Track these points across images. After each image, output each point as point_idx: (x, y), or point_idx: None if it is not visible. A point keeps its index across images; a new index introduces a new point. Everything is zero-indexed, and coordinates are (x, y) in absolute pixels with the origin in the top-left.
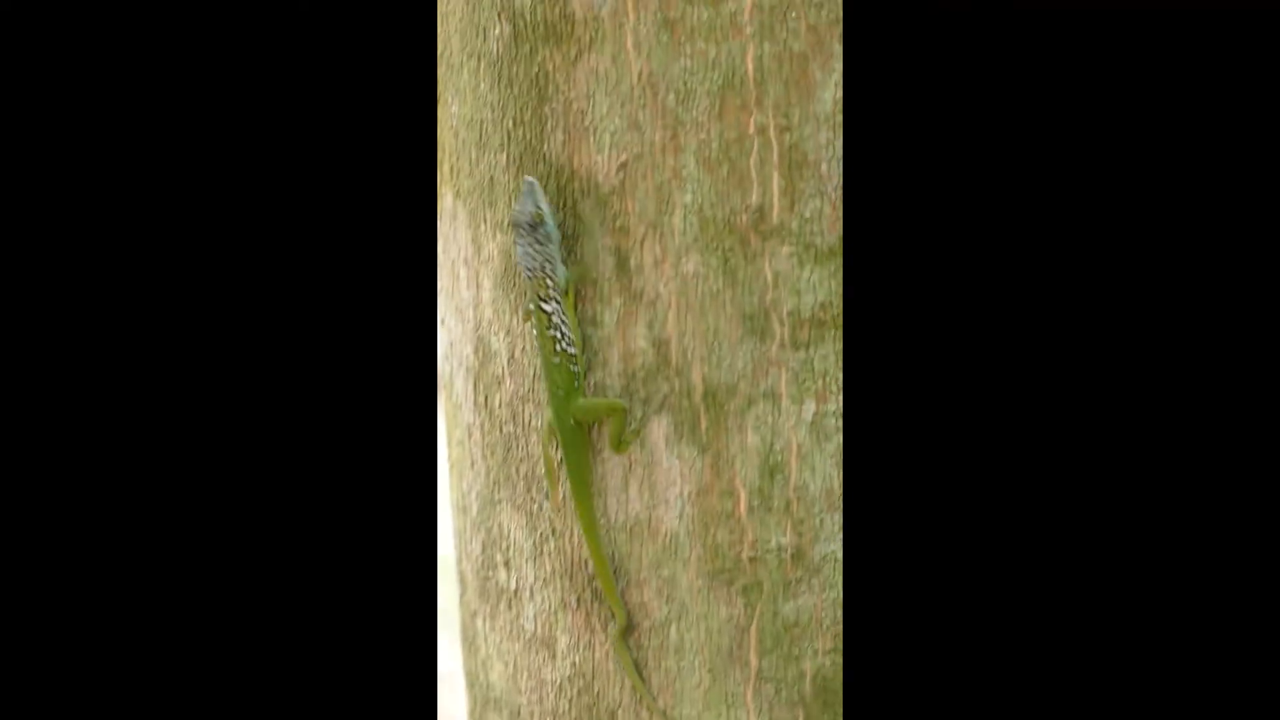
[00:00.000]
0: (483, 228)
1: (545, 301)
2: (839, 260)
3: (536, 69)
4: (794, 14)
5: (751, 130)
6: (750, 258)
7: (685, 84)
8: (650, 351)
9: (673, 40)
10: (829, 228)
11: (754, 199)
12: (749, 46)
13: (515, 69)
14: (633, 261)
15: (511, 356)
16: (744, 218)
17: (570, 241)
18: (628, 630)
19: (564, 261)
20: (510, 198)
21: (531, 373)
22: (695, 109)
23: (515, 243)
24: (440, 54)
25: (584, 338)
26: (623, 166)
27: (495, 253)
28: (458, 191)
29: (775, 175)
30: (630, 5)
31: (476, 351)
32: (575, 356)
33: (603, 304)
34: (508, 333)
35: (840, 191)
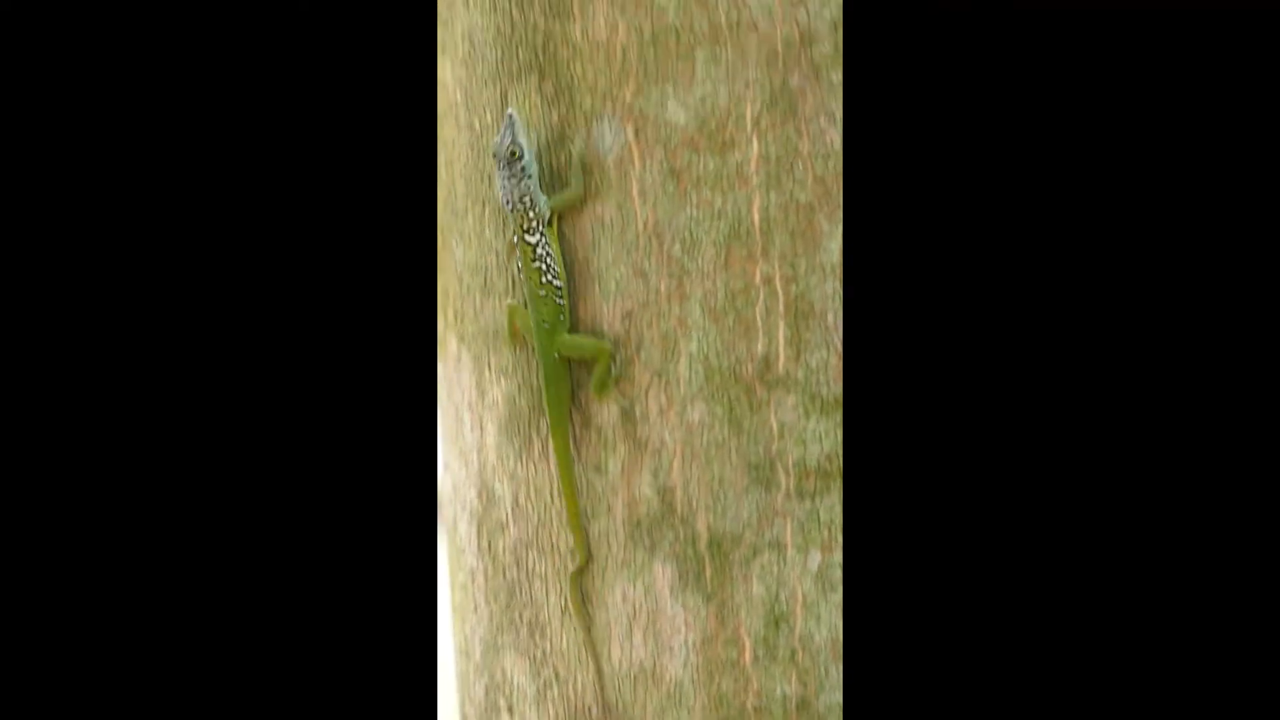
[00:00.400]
0: (487, 373)
1: (529, 234)
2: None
3: None
4: (800, 165)
5: (757, 280)
6: (756, 407)
7: (691, 233)
8: (655, 499)
9: (678, 189)
10: (835, 378)
11: (760, 348)
12: (755, 196)
13: None
14: (638, 410)
15: (516, 502)
16: (750, 367)
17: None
18: (584, 569)
19: (544, 193)
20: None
21: (535, 518)
22: (701, 258)
23: (496, 174)
24: (445, 199)
25: (569, 280)
26: (628, 315)
27: (499, 398)
28: (461, 336)
29: (781, 325)
30: (636, 153)
31: (480, 496)
32: (561, 289)
33: (608, 451)
34: (512, 478)
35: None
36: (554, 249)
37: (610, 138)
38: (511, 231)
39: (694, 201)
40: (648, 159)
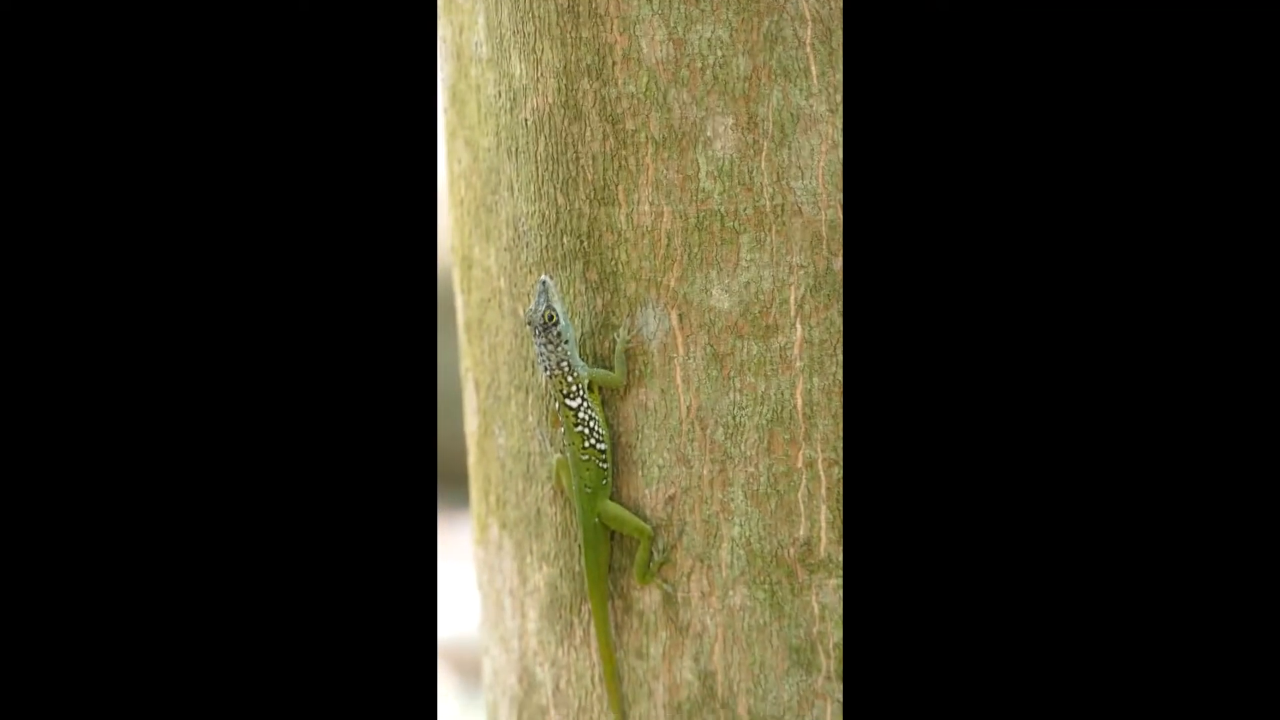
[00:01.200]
0: (529, 559)
1: (570, 398)
2: None
3: None
4: (844, 348)
5: (800, 464)
6: (797, 590)
7: (734, 418)
8: (696, 684)
9: (722, 374)
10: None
11: (801, 532)
12: (798, 381)
13: None
14: (680, 594)
15: (556, 687)
16: (791, 551)
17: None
18: None
19: (582, 358)
20: (557, 531)
21: (576, 704)
22: (744, 443)
23: (533, 342)
24: (488, 386)
25: (612, 446)
26: (670, 500)
27: (541, 584)
28: (503, 522)
29: (823, 509)
30: (680, 339)
31: (521, 681)
32: (605, 454)
33: (649, 636)
34: (553, 664)
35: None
36: (597, 414)
37: (655, 323)
38: (552, 398)
39: (737, 386)
40: (691, 345)
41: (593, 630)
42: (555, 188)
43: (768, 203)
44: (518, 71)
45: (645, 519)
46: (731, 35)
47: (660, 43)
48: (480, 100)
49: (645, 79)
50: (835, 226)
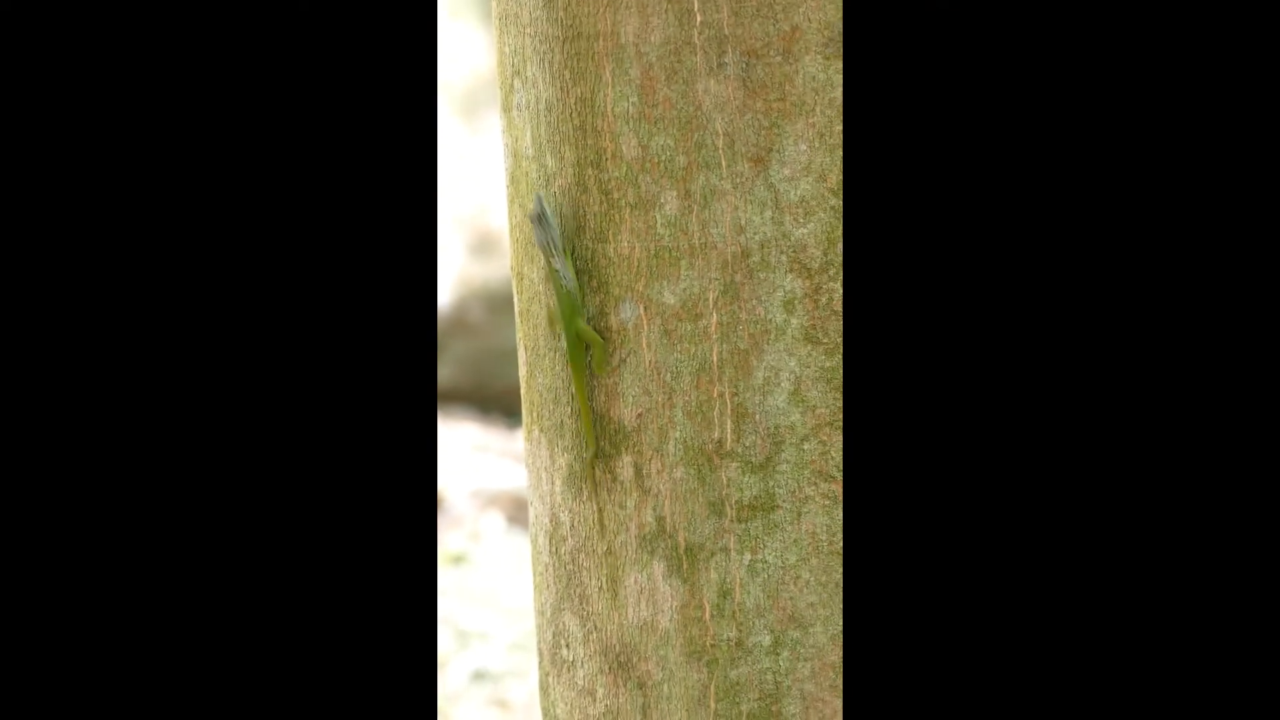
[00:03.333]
0: (556, 449)
1: (554, 260)
2: None
3: None
4: (740, 328)
5: (714, 395)
6: (713, 470)
7: (676, 368)
8: (654, 524)
9: (669, 342)
10: (761, 450)
11: (715, 434)
12: (714, 346)
13: None
14: (644, 469)
15: (572, 526)
16: (710, 446)
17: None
18: (595, 454)
19: (560, 239)
20: (572, 434)
21: (583, 534)
22: (682, 382)
23: (533, 230)
24: (532, 348)
25: (581, 289)
26: (638, 416)
27: (563, 464)
28: (542, 428)
29: (729, 421)
30: (644, 321)
31: (551, 521)
32: (575, 294)
33: (625, 495)
34: (569, 511)
35: None
36: (570, 271)
37: (629, 312)
38: (544, 263)
39: (678, 349)
40: (651, 325)
41: (574, 384)
42: (573, 232)
43: (696, 242)
44: (550, 164)
45: (624, 428)
46: (675, 143)
47: (634, 147)
48: (527, 181)
49: (625, 168)
50: (736, 255)
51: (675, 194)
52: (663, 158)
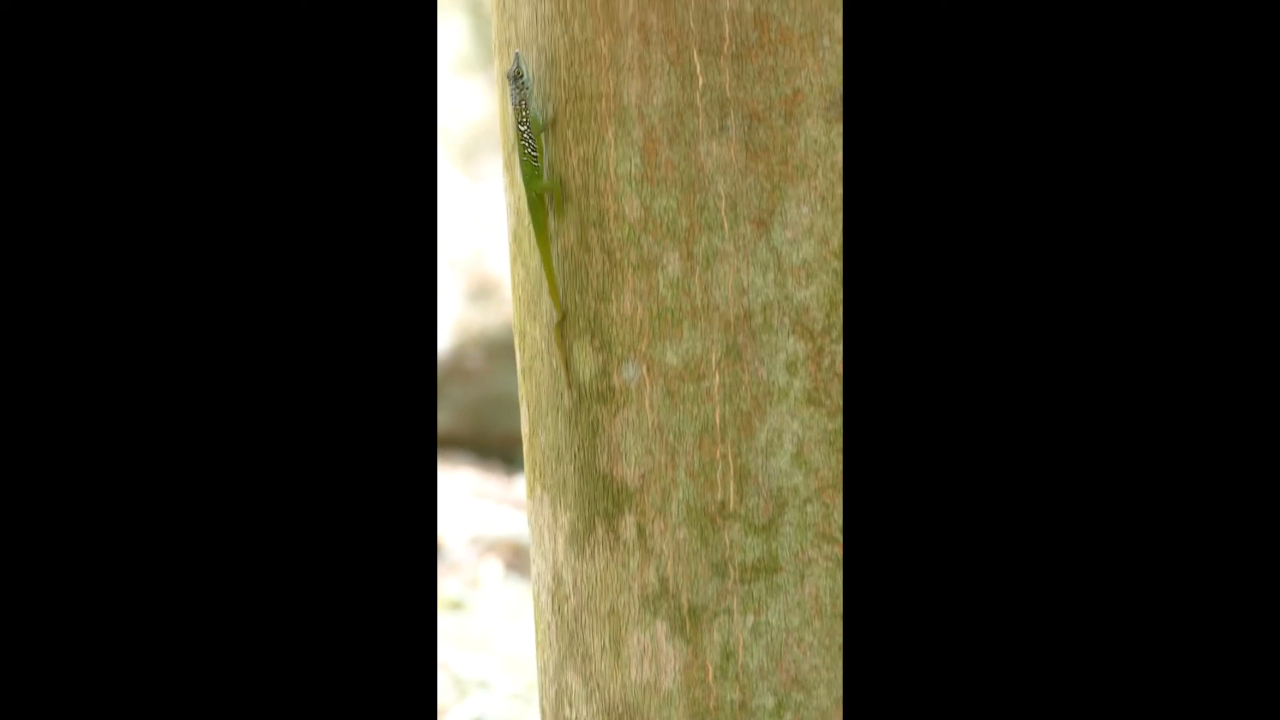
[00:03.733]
0: (558, 507)
1: (521, 124)
2: None
3: None
4: (743, 390)
5: (717, 456)
6: (715, 531)
7: (679, 428)
8: (656, 584)
9: (672, 403)
10: (763, 512)
11: (718, 495)
12: (716, 408)
13: None
14: (647, 528)
15: (574, 585)
16: (712, 507)
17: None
18: (563, 318)
19: (534, 101)
20: (574, 492)
21: (585, 594)
22: (685, 443)
23: (508, 88)
24: (534, 405)
25: (543, 155)
26: (642, 476)
27: (565, 522)
28: (544, 485)
29: (731, 482)
30: (647, 382)
31: (554, 580)
32: (537, 159)
33: (629, 555)
34: (572, 570)
35: None
36: (535, 136)
37: (632, 372)
38: (513, 124)
39: (680, 410)
40: (654, 385)
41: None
42: (575, 291)
43: (699, 303)
44: (553, 223)
45: (626, 488)
46: (678, 204)
47: (637, 208)
48: (530, 239)
49: (628, 229)
50: (739, 316)
51: (678, 255)
52: (665, 219)
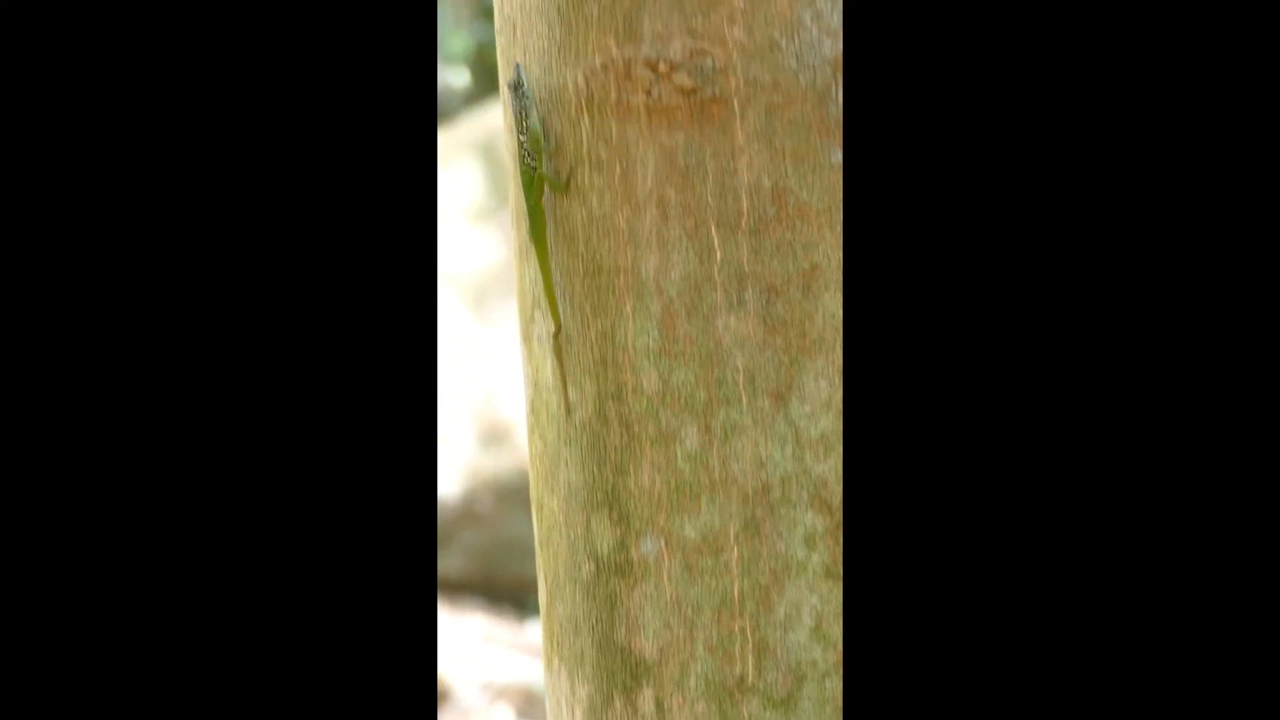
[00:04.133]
0: (576, 680)
1: (521, 133)
2: None
3: None
4: (761, 564)
5: (735, 630)
6: (734, 704)
7: (697, 602)
8: None
9: (690, 577)
10: (783, 687)
11: (737, 670)
12: (735, 581)
13: None
14: (664, 703)
15: None
16: (731, 681)
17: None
18: (559, 330)
19: (534, 112)
20: (593, 666)
21: None
22: (703, 617)
23: (509, 98)
24: (552, 580)
25: (540, 158)
26: (660, 649)
27: (583, 695)
28: (561, 657)
29: (750, 657)
30: (665, 555)
31: None
32: (534, 167)
33: None
34: None
35: None
36: (531, 144)
37: (650, 545)
38: (513, 134)
39: (699, 583)
40: (672, 558)
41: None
42: (594, 464)
43: (717, 476)
44: (571, 396)
45: (644, 661)
46: (695, 378)
47: (654, 381)
48: (547, 411)
49: (646, 402)
50: (756, 490)
51: (696, 428)
52: (683, 392)
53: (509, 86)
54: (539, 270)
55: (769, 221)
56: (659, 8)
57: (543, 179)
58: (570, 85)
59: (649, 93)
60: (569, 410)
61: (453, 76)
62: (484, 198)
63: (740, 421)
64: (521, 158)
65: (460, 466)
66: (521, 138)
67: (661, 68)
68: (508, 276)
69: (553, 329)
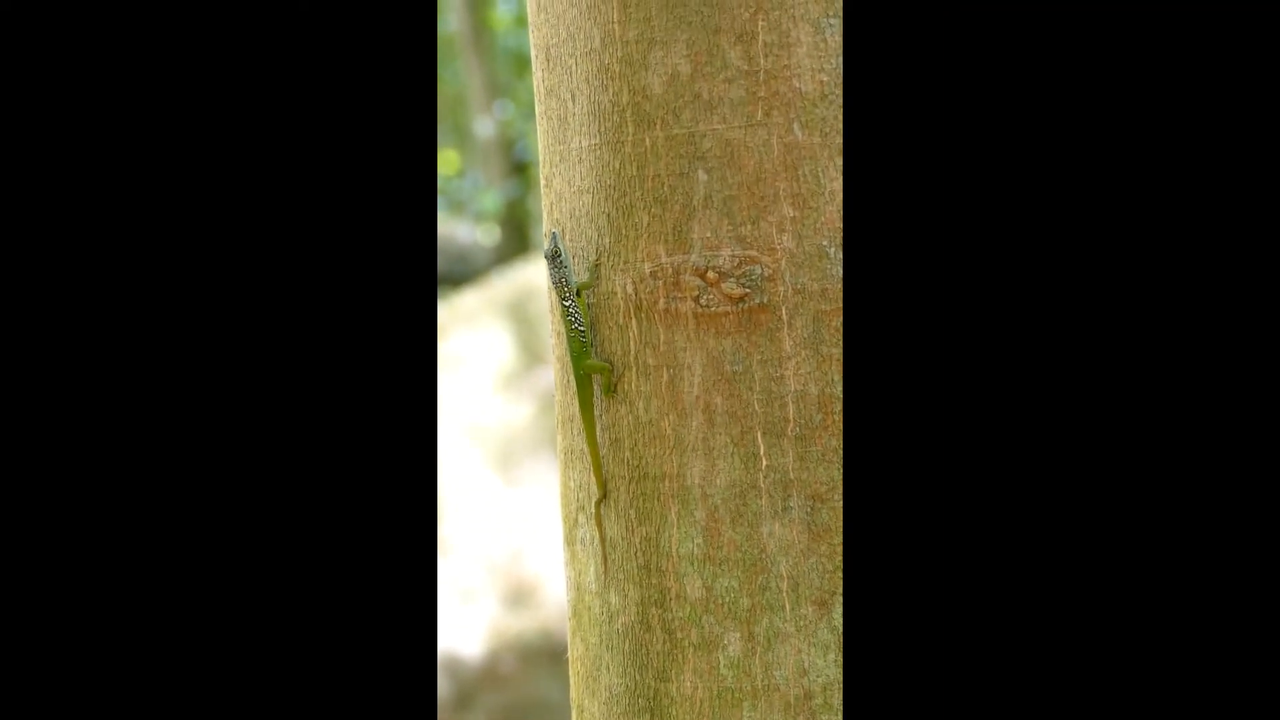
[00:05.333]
0: None
1: (565, 300)
2: None
3: None
4: None
5: None
6: None
7: None
8: None
9: None
10: None
11: None
12: None
13: None
14: None
15: None
16: None
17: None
18: (603, 498)
19: (574, 278)
20: None
21: None
22: None
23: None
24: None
25: (589, 329)
26: None
27: None
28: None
29: None
30: None
31: None
32: (585, 333)
33: None
34: None
35: None
36: (581, 311)
37: None
38: (557, 303)
39: None
40: None
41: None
42: (635, 670)
43: (759, 684)
44: (613, 600)
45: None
46: (739, 585)
47: (698, 587)
48: (589, 615)
49: (689, 609)
50: (800, 698)
51: (739, 635)
52: (727, 599)
53: (545, 257)
54: (584, 435)
55: (815, 429)
56: (709, 216)
57: (592, 364)
58: (619, 291)
59: (697, 300)
60: (605, 567)
61: (483, 234)
62: (512, 358)
63: (783, 628)
64: (569, 324)
65: (484, 626)
66: (567, 303)
67: (710, 275)
68: (534, 437)
69: (597, 492)
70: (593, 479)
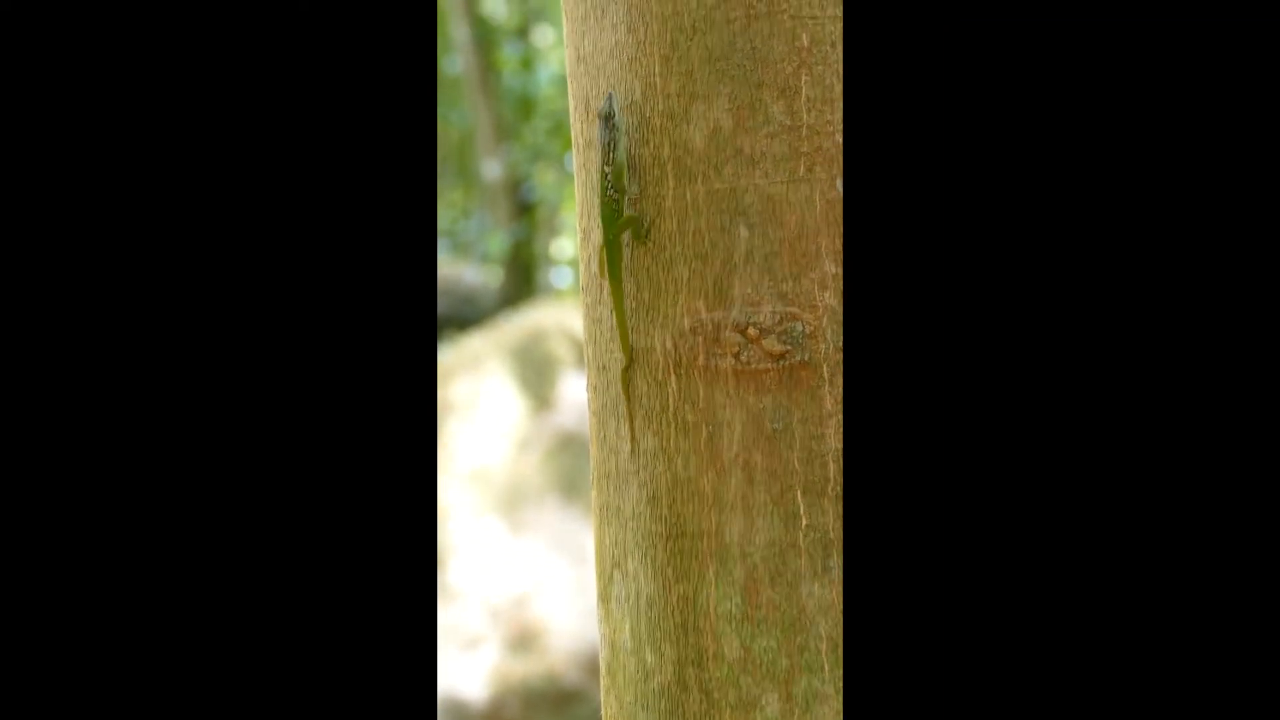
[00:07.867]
0: None
1: (606, 165)
2: None
3: None
4: None
5: None
6: None
7: None
8: None
9: None
10: None
11: None
12: None
13: None
14: None
15: None
16: None
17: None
18: (630, 365)
19: (621, 142)
20: None
21: None
22: None
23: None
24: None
25: (623, 195)
26: None
27: None
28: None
29: None
30: None
31: None
32: (618, 200)
33: None
34: None
35: None
36: (615, 178)
37: None
38: (599, 165)
39: None
40: None
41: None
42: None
43: None
44: (649, 659)
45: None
46: (778, 645)
47: (736, 647)
48: (625, 674)
49: (726, 669)
50: None
51: (777, 696)
52: (765, 659)
53: (600, 116)
54: (612, 301)
55: None
56: (750, 272)
57: (624, 219)
58: (658, 347)
59: (737, 356)
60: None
61: (490, 276)
62: (519, 403)
63: (822, 690)
64: (604, 189)
65: (488, 671)
66: (606, 169)
67: (751, 332)
68: (540, 482)
69: (624, 361)
70: (626, 536)
